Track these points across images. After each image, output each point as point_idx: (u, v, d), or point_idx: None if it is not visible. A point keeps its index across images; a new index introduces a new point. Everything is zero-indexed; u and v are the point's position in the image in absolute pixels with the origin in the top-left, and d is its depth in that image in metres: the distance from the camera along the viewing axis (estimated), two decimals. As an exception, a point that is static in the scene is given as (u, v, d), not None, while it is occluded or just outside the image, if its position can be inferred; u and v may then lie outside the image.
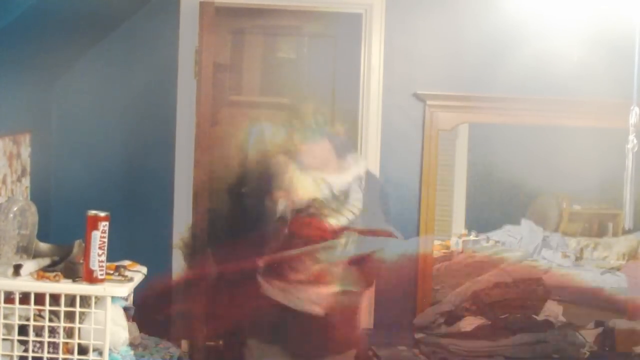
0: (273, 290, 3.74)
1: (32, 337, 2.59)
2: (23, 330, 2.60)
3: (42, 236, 2.89)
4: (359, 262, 3.71)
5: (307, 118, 3.78)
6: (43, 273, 2.64)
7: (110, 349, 2.66)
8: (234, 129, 4.38)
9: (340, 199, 3.79)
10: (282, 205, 3.70)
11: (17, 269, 2.61)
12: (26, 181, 3.71)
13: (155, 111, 4.24)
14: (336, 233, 3.75)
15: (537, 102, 4.26)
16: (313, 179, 3.77)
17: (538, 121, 4.32)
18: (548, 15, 4.23)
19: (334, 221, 3.74)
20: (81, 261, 2.64)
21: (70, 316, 2.60)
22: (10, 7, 2.83)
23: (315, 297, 3.72)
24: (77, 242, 2.74)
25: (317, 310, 3.70)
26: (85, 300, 2.63)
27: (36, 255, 2.77)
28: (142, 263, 2.98)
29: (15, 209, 2.72)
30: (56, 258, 2.75)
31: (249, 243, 3.90)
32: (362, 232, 3.63)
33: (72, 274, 2.64)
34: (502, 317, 3.99)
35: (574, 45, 4.18)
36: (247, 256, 3.92)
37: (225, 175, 4.27)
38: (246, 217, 3.98)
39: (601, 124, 4.27)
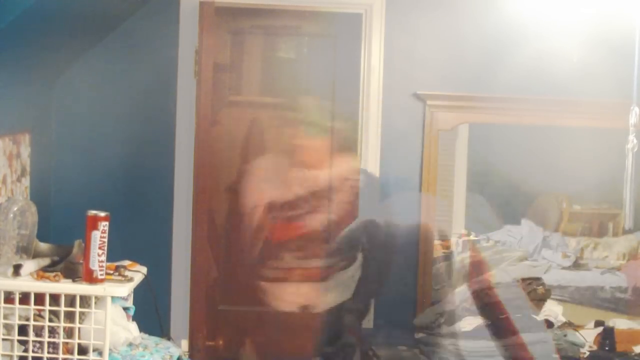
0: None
1: (32, 337, 2.59)
2: (23, 330, 2.60)
3: (42, 236, 2.89)
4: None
5: (307, 113, 3.76)
6: (43, 273, 2.64)
7: (110, 349, 2.66)
8: (234, 129, 4.38)
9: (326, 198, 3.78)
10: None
11: (17, 269, 2.61)
12: (26, 181, 3.71)
13: (155, 111, 4.24)
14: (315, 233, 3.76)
15: (537, 102, 4.26)
16: (302, 176, 3.76)
17: (538, 121, 4.32)
18: (548, 15, 4.23)
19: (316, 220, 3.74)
20: (81, 261, 2.64)
21: (70, 316, 2.60)
22: (10, 7, 2.83)
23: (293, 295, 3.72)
24: (77, 242, 2.74)
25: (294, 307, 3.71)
26: (85, 300, 2.63)
27: (36, 255, 2.77)
28: (142, 263, 2.98)
29: (15, 209, 2.72)
30: (56, 258, 2.75)
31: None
32: None
33: (72, 274, 2.64)
34: (502, 317, 3.98)
35: (574, 45, 4.18)
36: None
37: (225, 175, 4.28)
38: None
39: (601, 124, 4.27)
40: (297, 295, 3.70)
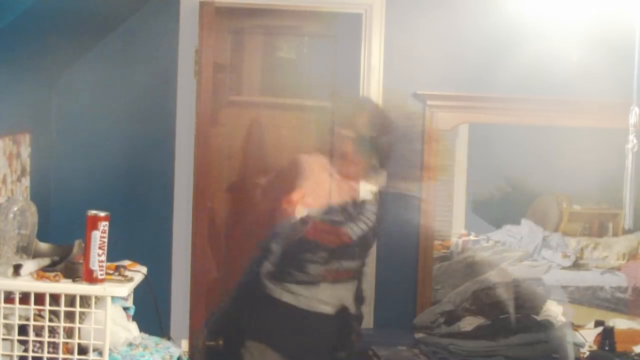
0: (281, 292, 3.72)
1: (32, 337, 2.59)
2: (23, 330, 2.60)
3: (42, 236, 2.89)
4: None
5: (355, 125, 3.76)
6: (43, 273, 2.64)
7: (110, 349, 2.66)
8: (234, 129, 4.38)
9: (358, 208, 3.77)
10: (300, 208, 3.68)
11: (17, 269, 2.61)
12: (26, 181, 3.71)
13: (155, 111, 4.24)
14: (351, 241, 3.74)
15: (537, 102, 4.26)
16: (338, 185, 3.75)
17: (538, 121, 4.32)
18: (548, 15, 4.23)
19: (348, 230, 3.73)
20: (81, 261, 2.64)
21: (70, 316, 2.60)
22: (10, 7, 2.83)
23: (326, 297, 3.70)
24: (77, 242, 2.74)
25: (328, 310, 3.69)
26: (85, 300, 2.63)
27: (36, 255, 2.77)
28: (142, 263, 2.98)
29: (15, 209, 2.71)
30: (56, 258, 2.75)
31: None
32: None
33: (72, 274, 2.64)
34: (502, 317, 3.98)
35: (574, 45, 4.18)
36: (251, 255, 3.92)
37: (228, 175, 4.28)
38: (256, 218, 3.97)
39: (601, 124, 4.27)
40: (334, 297, 3.70)
